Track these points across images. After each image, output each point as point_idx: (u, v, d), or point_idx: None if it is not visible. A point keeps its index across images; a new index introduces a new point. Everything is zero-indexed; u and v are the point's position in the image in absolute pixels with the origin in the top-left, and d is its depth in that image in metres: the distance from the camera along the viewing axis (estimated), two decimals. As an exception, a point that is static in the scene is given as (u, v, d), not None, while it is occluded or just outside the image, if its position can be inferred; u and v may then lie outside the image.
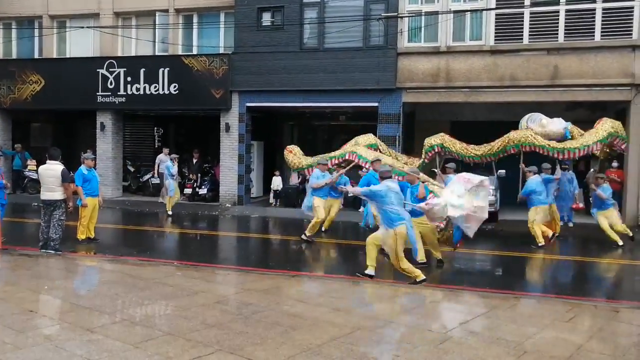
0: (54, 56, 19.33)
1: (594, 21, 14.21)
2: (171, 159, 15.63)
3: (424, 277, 7.77)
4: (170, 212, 15.24)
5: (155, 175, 17.25)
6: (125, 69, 18.02)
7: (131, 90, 17.98)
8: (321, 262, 10.49)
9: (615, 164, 14.62)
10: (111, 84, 18.16)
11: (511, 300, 7.09)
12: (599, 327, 6.03)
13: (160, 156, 16.93)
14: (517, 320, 6.18)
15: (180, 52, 17.99)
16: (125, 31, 18.89)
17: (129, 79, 17.99)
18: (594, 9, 14.22)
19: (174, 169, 15.33)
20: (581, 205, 14.43)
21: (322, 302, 6.62)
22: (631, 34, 13.99)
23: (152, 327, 5.54)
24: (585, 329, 5.91)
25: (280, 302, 6.58)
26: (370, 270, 7.96)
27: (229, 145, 17.24)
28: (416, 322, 6.06)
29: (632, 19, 13.97)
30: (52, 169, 9.47)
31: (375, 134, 14.57)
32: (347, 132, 19.27)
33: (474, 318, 6.17)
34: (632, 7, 13.94)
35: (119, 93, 18.13)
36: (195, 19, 18.24)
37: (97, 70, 18.20)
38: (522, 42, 14.71)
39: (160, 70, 17.65)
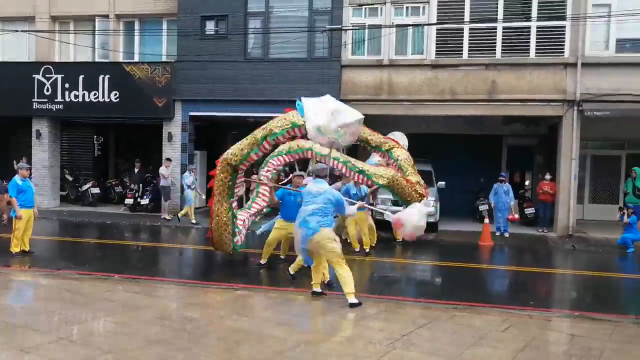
0: (-14, 60, 18.51)
1: (529, 39, 14.85)
2: (188, 170, 15.93)
3: (318, 290, 7.74)
4: (194, 221, 15.66)
5: (164, 184, 16.55)
6: (62, 75, 17.45)
7: (69, 97, 17.42)
8: (266, 275, 10.43)
9: (548, 176, 15.30)
10: (48, 90, 17.54)
11: (451, 311, 7.28)
12: (532, 336, 6.28)
13: (161, 169, 16.48)
14: (456, 331, 6.36)
15: (121, 59, 17.59)
16: (63, 36, 18.32)
17: (66, 85, 17.43)
18: (529, 27, 14.86)
19: (189, 180, 15.67)
20: (517, 216, 15.02)
21: (267, 316, 6.62)
22: (563, 52, 14.68)
23: (92, 345, 5.38)
24: (520, 339, 6.13)
25: (225, 317, 6.53)
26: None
27: (172, 155, 16.94)
28: (359, 334, 6.14)
29: (564, 38, 14.66)
30: (-17, 180, 9.05)
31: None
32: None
33: (415, 329, 6.30)
34: (564, 27, 14.65)
35: (56, 100, 17.52)
36: (136, 26, 17.88)
37: (33, 75, 17.54)
38: (461, 57, 15.19)
39: (100, 77, 17.19)
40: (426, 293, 9.07)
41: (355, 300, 7.15)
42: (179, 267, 11.23)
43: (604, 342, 6.09)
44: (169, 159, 16.62)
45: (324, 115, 7.63)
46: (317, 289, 7.66)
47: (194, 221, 15.73)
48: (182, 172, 16.85)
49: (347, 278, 7.21)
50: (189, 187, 15.69)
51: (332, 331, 6.22)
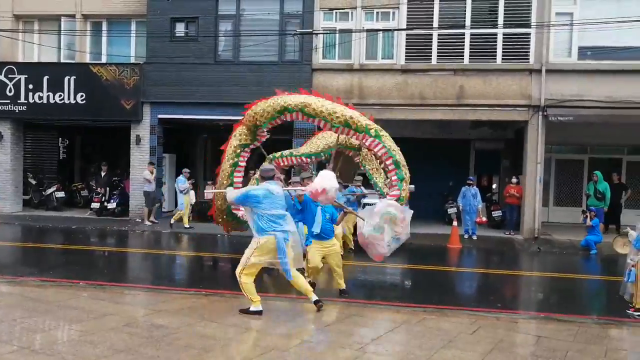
0: (-55, 59, 17.94)
1: (495, 45, 15.13)
2: (183, 174, 15.65)
3: (260, 309, 6.84)
4: (187, 226, 15.48)
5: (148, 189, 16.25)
6: (26, 76, 17.06)
7: (33, 98, 17.02)
8: (234, 280, 10.32)
9: (514, 180, 15.58)
10: (10, 91, 17.12)
11: (420, 314, 7.33)
12: (500, 338, 6.36)
13: (145, 173, 16.09)
14: (425, 335, 6.40)
15: (88, 60, 17.27)
16: (27, 36, 17.89)
17: (30, 86, 17.04)
18: (496, 34, 15.15)
19: (183, 185, 15.36)
20: (484, 219, 15.25)
21: (235, 322, 6.54)
22: (528, 59, 15.01)
23: (55, 354, 5.23)
24: (488, 341, 6.20)
25: (193, 323, 6.44)
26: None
27: (140, 158, 16.70)
28: (329, 339, 6.13)
29: (529, 45, 14.99)
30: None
31: (291, 149, 14.59)
32: (262, 146, 19.21)
33: (385, 333, 6.33)
34: (529, 34, 14.97)
35: (19, 101, 17.11)
36: (104, 26, 17.59)
37: (-5, 76, 17.12)
38: (430, 62, 15.38)
39: (66, 79, 16.85)
40: (395, 296, 9.11)
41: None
42: (147, 273, 11.03)
43: (569, 343, 6.21)
44: (152, 163, 16.32)
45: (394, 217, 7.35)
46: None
47: (187, 225, 15.45)
48: (151, 175, 16.65)
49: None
50: (182, 191, 15.42)
51: (302, 336, 6.18)
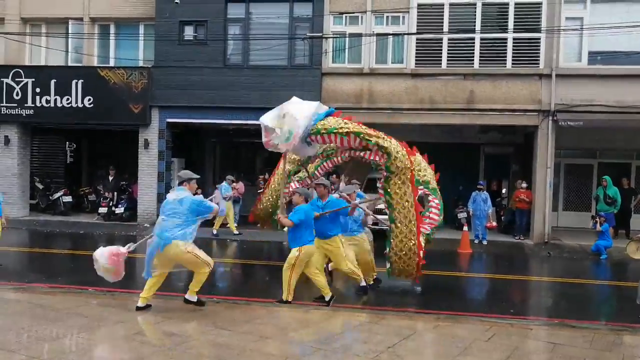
0: (-48, 63, 17.95)
1: (505, 50, 15.03)
2: (227, 181, 15.40)
3: (142, 305, 7.11)
4: (236, 232, 15.28)
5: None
6: (33, 80, 17.01)
7: (40, 102, 16.98)
8: (246, 287, 10.26)
9: (524, 184, 15.46)
10: (17, 94, 17.08)
11: (434, 321, 7.23)
12: (515, 345, 6.25)
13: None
14: (441, 342, 6.31)
15: (95, 64, 17.24)
16: (34, 39, 17.87)
17: (37, 90, 17.00)
18: (506, 38, 15.05)
19: (227, 193, 15.03)
20: (494, 223, 15.14)
21: (249, 330, 6.45)
22: (538, 63, 14.91)
23: (66, 363, 5.17)
24: (503, 348, 6.10)
25: (206, 331, 6.35)
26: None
27: (148, 162, 16.64)
28: (344, 347, 6.03)
29: (539, 49, 14.89)
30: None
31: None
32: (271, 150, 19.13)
33: (400, 341, 6.21)
34: (539, 39, 14.88)
35: (26, 105, 17.07)
36: (112, 30, 17.53)
37: (2, 79, 17.08)
38: (440, 66, 15.29)
39: (74, 82, 16.80)
40: (407, 303, 9.02)
41: (193, 299, 7.23)
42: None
43: (585, 350, 6.10)
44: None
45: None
46: (142, 303, 7.16)
47: (236, 232, 15.20)
48: (159, 180, 16.59)
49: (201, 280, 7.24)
50: (224, 199, 14.91)
51: (317, 344, 6.08)
